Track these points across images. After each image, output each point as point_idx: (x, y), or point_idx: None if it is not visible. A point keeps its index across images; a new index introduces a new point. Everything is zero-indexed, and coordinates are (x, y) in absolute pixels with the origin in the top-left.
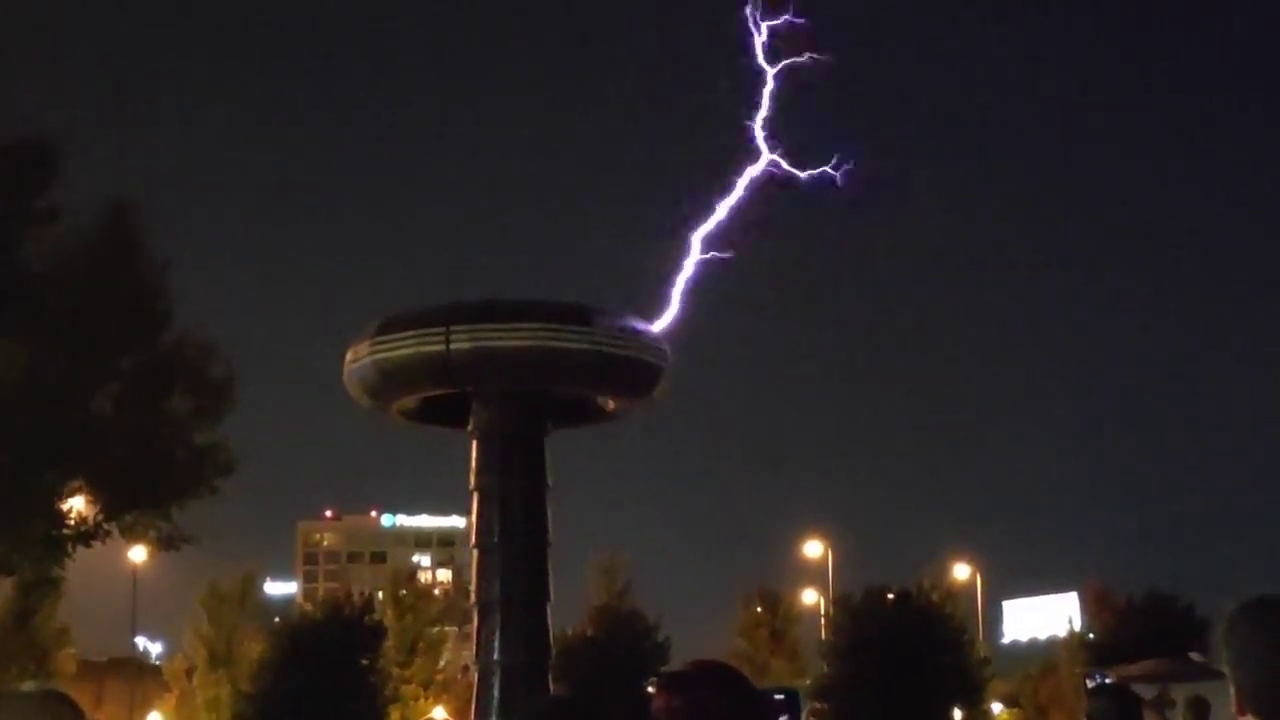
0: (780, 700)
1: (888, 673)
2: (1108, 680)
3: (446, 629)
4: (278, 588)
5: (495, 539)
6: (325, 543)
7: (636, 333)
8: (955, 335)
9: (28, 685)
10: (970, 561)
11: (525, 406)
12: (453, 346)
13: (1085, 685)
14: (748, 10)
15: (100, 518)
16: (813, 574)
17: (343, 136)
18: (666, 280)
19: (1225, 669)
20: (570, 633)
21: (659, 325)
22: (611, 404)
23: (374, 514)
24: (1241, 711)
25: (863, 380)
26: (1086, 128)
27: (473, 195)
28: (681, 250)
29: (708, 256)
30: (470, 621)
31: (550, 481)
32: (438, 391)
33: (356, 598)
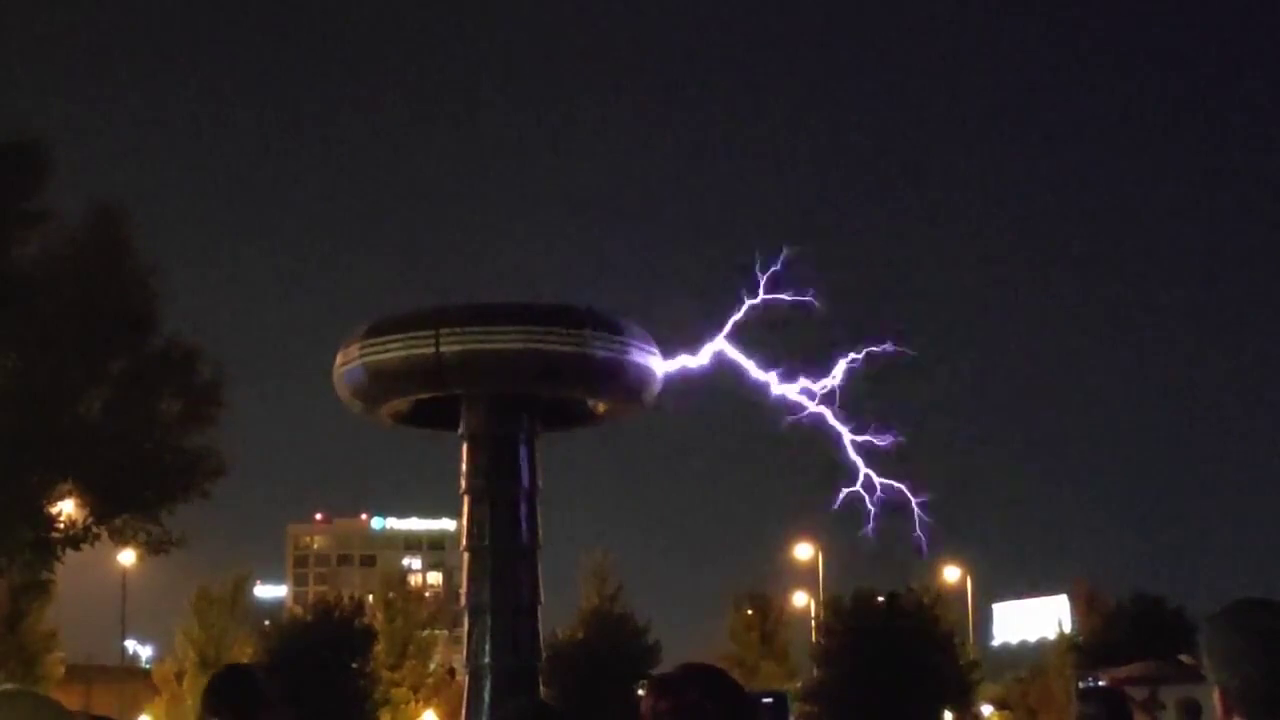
0: (768, 703)
1: (878, 675)
2: (1099, 683)
3: (437, 632)
4: (268, 591)
5: (486, 542)
6: (315, 546)
7: (627, 336)
8: (945, 336)
9: (7, 686)
10: (960, 564)
11: (515, 409)
12: (442, 349)
13: (1076, 688)
14: None
15: (89, 521)
16: (803, 577)
17: (332, 138)
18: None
19: (1207, 673)
20: (561, 636)
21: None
22: (601, 407)
23: (364, 517)
24: (1227, 714)
25: (853, 384)
26: (1085, 126)
27: (464, 198)
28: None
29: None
30: (461, 624)
31: (540, 484)
32: (427, 394)
33: (347, 601)
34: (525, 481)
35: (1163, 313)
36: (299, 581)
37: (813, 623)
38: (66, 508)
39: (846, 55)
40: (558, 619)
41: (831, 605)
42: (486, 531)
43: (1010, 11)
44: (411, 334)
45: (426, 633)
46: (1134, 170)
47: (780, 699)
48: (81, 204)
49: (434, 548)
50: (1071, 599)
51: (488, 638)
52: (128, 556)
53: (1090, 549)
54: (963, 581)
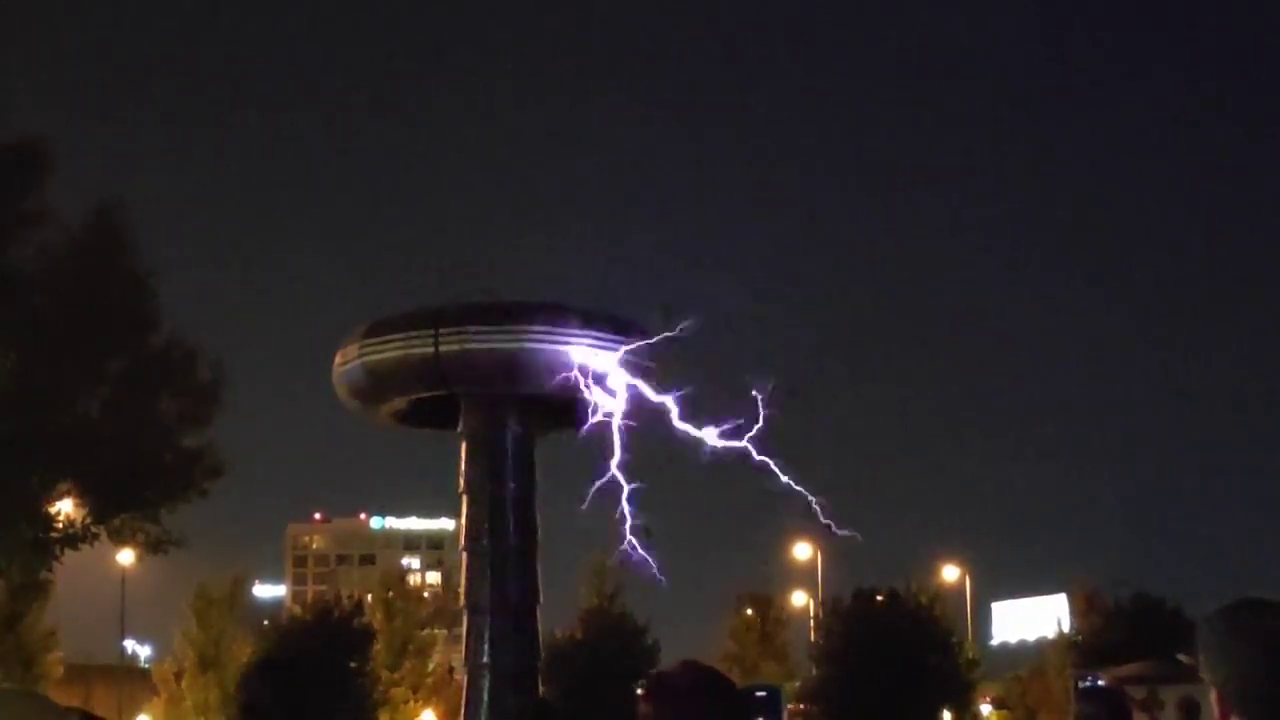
0: (762, 697)
1: (877, 675)
2: (1098, 682)
3: (436, 631)
4: (267, 590)
5: (485, 541)
6: (314, 545)
7: (626, 336)
8: (944, 337)
9: (4, 686)
10: (959, 563)
11: (514, 409)
12: (441, 349)
13: (1075, 687)
14: None
15: (88, 521)
16: (802, 576)
17: (333, 138)
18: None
19: (1205, 674)
20: (560, 635)
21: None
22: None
23: (363, 516)
24: (1225, 715)
25: (852, 382)
26: (1083, 133)
27: (463, 196)
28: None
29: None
30: (460, 624)
31: (539, 484)
32: (427, 394)
33: (346, 600)
34: (524, 481)
35: (1163, 313)
36: (298, 581)
37: (812, 622)
38: (65, 507)
39: (854, 56)
40: (557, 619)
41: (830, 605)
42: (486, 531)
43: (1010, 10)
44: (411, 334)
45: (426, 632)
46: (1133, 171)
47: (774, 693)
48: (81, 204)
49: (433, 547)
50: (1070, 598)
51: (487, 637)
52: (127, 556)
53: (1090, 548)
54: (962, 581)
